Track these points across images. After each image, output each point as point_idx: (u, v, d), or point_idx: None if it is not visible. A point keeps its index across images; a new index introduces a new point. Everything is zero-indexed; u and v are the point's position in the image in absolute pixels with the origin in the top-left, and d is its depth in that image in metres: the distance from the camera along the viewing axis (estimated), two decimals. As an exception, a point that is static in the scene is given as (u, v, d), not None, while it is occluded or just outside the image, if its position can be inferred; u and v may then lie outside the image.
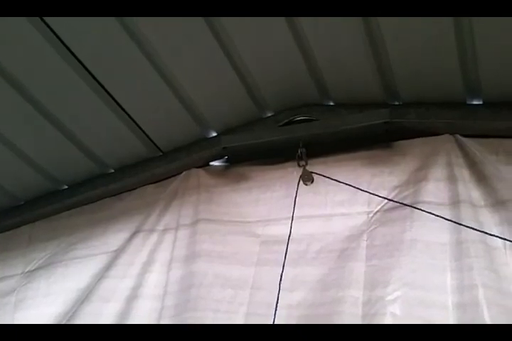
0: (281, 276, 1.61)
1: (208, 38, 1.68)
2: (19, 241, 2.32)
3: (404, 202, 1.57)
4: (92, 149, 2.12)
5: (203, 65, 1.79)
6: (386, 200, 1.61)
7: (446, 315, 1.33)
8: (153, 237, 1.96)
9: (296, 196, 1.79)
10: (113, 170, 2.25)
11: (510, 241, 1.38)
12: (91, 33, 1.64)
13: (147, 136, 2.04)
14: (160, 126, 2.03)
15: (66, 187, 2.34)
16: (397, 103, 1.77)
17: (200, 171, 2.06)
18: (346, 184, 1.72)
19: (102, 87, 1.83)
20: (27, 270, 2.19)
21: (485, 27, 1.41)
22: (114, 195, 2.25)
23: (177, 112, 1.95)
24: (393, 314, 1.37)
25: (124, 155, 2.16)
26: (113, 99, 1.89)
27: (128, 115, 1.96)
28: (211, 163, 2.09)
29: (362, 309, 1.43)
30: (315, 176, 1.81)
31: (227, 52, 1.75)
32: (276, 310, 1.55)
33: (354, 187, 1.69)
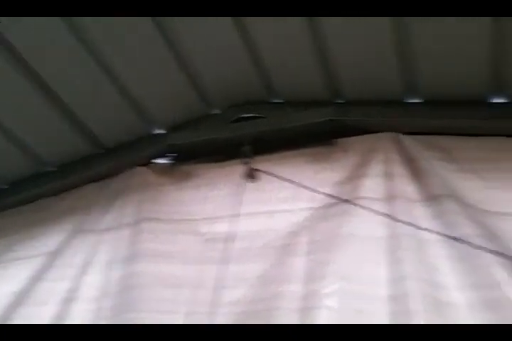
0: (222, 274, 1.66)
1: (154, 36, 1.73)
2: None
3: (344, 198, 1.65)
4: (31, 147, 2.12)
5: (149, 62, 1.83)
6: (327, 197, 1.69)
7: (380, 307, 1.40)
8: (94, 238, 1.97)
9: (240, 194, 1.85)
10: (54, 169, 2.25)
11: (441, 234, 1.48)
12: (34, 31, 1.66)
13: (90, 132, 2.06)
14: (103, 123, 2.05)
15: (5, 186, 2.32)
16: (340, 101, 1.86)
17: (144, 169, 2.08)
18: (290, 181, 1.79)
19: (44, 82, 1.85)
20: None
21: (422, 28, 1.52)
22: (55, 194, 2.24)
23: (121, 108, 1.97)
24: (329, 307, 1.44)
25: (66, 152, 2.17)
26: (54, 94, 1.90)
27: (69, 111, 1.97)
28: (155, 161, 2.12)
29: (300, 303, 1.49)
30: (260, 173, 1.87)
31: (174, 50, 1.80)
32: (216, 307, 1.59)
33: (297, 184, 1.77)
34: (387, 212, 1.56)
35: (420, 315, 1.34)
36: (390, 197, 1.59)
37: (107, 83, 1.87)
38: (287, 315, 1.49)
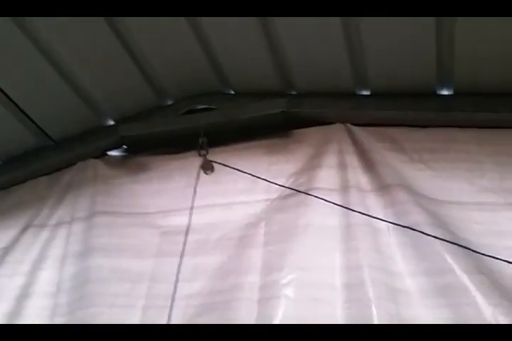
0: (179, 267, 1.62)
1: (103, 27, 1.64)
2: None
3: (300, 189, 1.64)
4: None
5: (98, 53, 1.74)
6: (283, 188, 1.68)
7: (335, 295, 1.40)
8: (45, 233, 1.88)
9: (196, 186, 1.81)
10: (0, 162, 2.12)
11: (392, 223, 1.49)
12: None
13: (35, 124, 1.94)
14: (50, 114, 1.94)
15: None
16: (293, 93, 1.84)
17: (97, 161, 2.00)
18: (245, 173, 1.76)
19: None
20: None
21: (371, 24, 1.51)
22: (2, 189, 2.12)
23: (69, 99, 1.87)
24: (287, 296, 1.43)
25: (12, 145, 2.04)
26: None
27: (13, 102, 1.85)
28: (109, 153, 2.04)
29: (258, 293, 1.47)
30: (215, 165, 1.83)
31: (124, 41, 1.72)
32: (173, 301, 1.56)
33: (253, 175, 1.74)
34: (342, 202, 1.56)
35: (375, 302, 1.35)
36: (344, 188, 1.60)
37: (54, 74, 1.77)
38: (246, 306, 1.47)
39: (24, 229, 1.92)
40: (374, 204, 1.56)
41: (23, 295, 1.75)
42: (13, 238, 1.91)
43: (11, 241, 1.91)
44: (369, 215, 1.52)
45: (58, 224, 1.89)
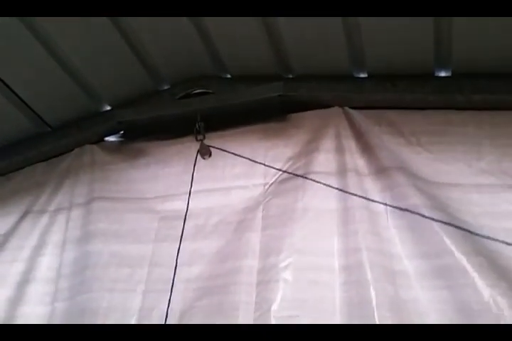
0: (178, 251, 1.59)
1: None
2: None
3: (297, 173, 1.60)
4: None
5: (94, 40, 1.68)
6: (281, 172, 1.64)
7: (333, 278, 1.38)
8: (44, 219, 1.85)
9: (194, 171, 1.77)
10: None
11: (391, 206, 1.46)
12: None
13: (32, 110, 1.89)
14: (47, 100, 1.88)
15: None
16: (290, 76, 1.79)
17: (94, 147, 1.95)
18: (243, 157, 1.72)
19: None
20: None
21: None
22: (1, 175, 2.07)
23: (65, 85, 1.82)
24: (285, 280, 1.41)
25: (9, 131, 1.99)
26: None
27: (9, 88, 1.79)
28: (106, 139, 1.99)
29: (257, 277, 1.45)
30: (213, 150, 1.79)
31: (120, 27, 1.67)
32: (173, 285, 1.53)
33: (250, 160, 1.70)
34: (340, 186, 1.53)
35: (373, 284, 1.33)
36: (342, 171, 1.56)
37: (51, 61, 1.71)
38: (245, 289, 1.45)
39: (23, 216, 1.89)
40: (372, 187, 1.52)
41: (24, 281, 1.73)
42: (13, 224, 1.88)
43: (11, 228, 1.88)
44: (367, 198, 1.48)
45: (57, 210, 1.86)
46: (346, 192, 1.50)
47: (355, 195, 1.50)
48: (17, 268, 1.76)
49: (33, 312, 1.66)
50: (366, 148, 1.59)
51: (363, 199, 1.49)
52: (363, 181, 1.53)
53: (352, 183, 1.52)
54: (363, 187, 1.52)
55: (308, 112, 1.74)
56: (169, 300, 1.52)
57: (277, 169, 1.64)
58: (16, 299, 1.70)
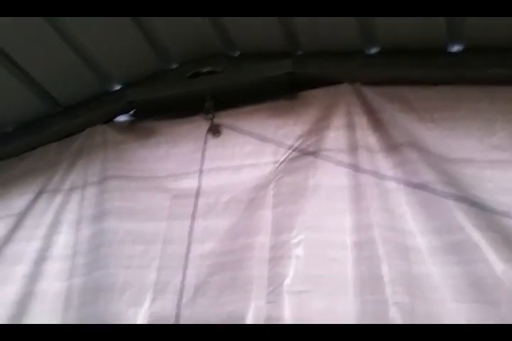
0: (191, 229, 1.57)
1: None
2: None
3: (308, 151, 1.57)
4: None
5: (103, 19, 1.61)
6: (291, 150, 1.60)
7: (345, 254, 1.36)
8: (59, 197, 1.84)
9: (204, 149, 1.73)
10: (10, 130, 2.04)
11: (403, 182, 1.42)
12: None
13: (43, 90, 1.85)
14: (57, 80, 1.84)
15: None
16: (299, 53, 1.73)
17: (106, 127, 1.92)
18: (253, 135, 1.68)
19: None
20: None
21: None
22: (14, 155, 2.06)
23: (76, 65, 1.78)
24: (298, 256, 1.40)
25: (20, 112, 1.96)
26: (6, 54, 1.68)
27: (21, 68, 1.75)
28: (117, 119, 1.95)
29: (269, 253, 1.44)
30: (223, 129, 1.75)
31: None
32: (187, 261, 1.52)
33: (260, 138, 1.66)
34: (351, 163, 1.49)
35: (386, 260, 1.31)
36: (353, 148, 1.52)
37: (60, 40, 1.67)
38: (257, 265, 1.44)
39: (38, 195, 1.88)
40: (384, 164, 1.47)
41: (41, 258, 1.74)
42: (28, 204, 1.88)
43: (26, 207, 1.88)
44: (379, 175, 1.45)
45: (71, 189, 1.84)
46: (358, 169, 1.47)
47: (367, 171, 1.46)
48: (34, 246, 1.76)
49: (51, 288, 1.67)
50: (377, 124, 1.54)
51: (375, 176, 1.45)
52: (375, 158, 1.49)
53: (363, 160, 1.48)
54: (375, 164, 1.48)
55: (319, 89, 1.68)
56: (183, 275, 1.51)
57: (288, 147, 1.60)
58: (34, 275, 1.71)
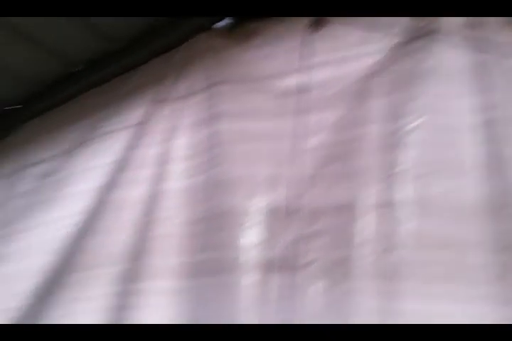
0: (298, 124, 1.53)
1: None
2: (49, 126, 2.29)
3: (420, 34, 1.41)
4: (99, 26, 1.93)
5: None
6: (400, 35, 1.45)
7: (468, 137, 1.24)
8: (173, 105, 1.88)
9: (306, 45, 1.63)
10: (121, 46, 2.08)
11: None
12: None
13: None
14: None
15: (81, 68, 2.22)
16: None
17: (206, 35, 1.89)
18: (357, 25, 1.54)
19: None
20: (58, 152, 2.19)
21: None
22: (127, 71, 2.12)
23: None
24: (414, 141, 1.30)
25: (131, 27, 1.97)
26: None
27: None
28: (215, 26, 1.89)
29: (382, 141, 1.36)
30: (325, 21, 1.62)
31: None
32: (300, 153, 1.50)
33: (365, 26, 1.52)
34: (470, 41, 1.31)
35: (510, 141, 1.18)
36: (472, 25, 1.33)
37: None
38: (370, 154, 1.38)
39: (153, 105, 1.94)
40: (508, 40, 1.29)
41: (163, 161, 1.81)
42: (145, 114, 1.95)
43: (143, 117, 1.95)
44: (502, 53, 1.26)
45: (183, 97, 1.87)
46: (479, 47, 1.29)
47: (488, 51, 1.28)
48: (156, 150, 1.84)
49: (175, 186, 1.75)
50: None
51: (497, 55, 1.28)
52: (498, 35, 1.30)
53: (484, 37, 1.31)
54: (498, 41, 1.29)
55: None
56: (292, 168, 1.50)
57: (397, 32, 1.45)
58: (159, 176, 1.80)
